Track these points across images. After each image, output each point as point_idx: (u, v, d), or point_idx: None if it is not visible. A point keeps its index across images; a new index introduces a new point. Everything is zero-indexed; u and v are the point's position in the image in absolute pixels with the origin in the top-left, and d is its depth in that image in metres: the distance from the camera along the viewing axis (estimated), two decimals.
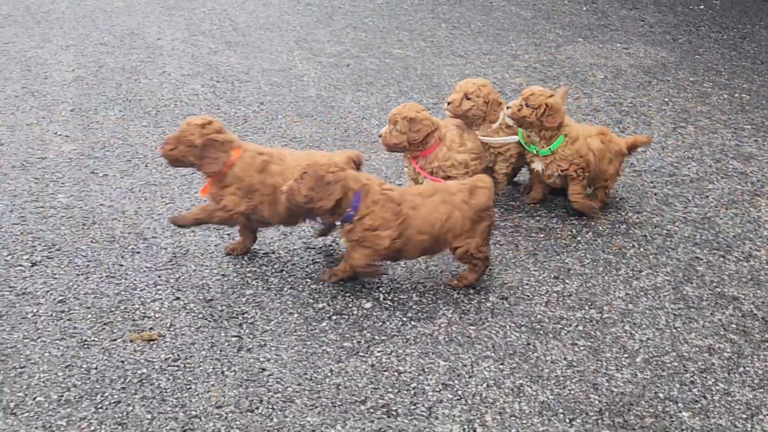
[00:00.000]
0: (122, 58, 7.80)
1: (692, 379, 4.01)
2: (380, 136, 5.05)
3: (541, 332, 4.29)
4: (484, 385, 3.93)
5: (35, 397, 3.76)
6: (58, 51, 7.91)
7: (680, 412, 3.82)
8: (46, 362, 3.97)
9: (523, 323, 4.36)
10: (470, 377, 3.97)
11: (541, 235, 5.17)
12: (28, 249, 4.86)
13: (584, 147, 5.24)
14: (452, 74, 7.68)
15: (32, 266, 4.70)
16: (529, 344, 4.20)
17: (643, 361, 4.11)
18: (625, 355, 4.14)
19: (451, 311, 4.43)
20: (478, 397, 3.85)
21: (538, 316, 4.41)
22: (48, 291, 4.49)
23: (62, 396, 3.77)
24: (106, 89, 7.09)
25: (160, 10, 9.20)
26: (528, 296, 4.58)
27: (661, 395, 3.90)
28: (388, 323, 4.32)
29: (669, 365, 4.09)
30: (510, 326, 4.33)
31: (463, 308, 4.46)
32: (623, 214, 5.43)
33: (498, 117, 5.36)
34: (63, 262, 4.75)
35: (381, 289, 4.59)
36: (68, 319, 4.27)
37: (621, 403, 3.85)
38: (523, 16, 9.47)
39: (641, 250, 5.05)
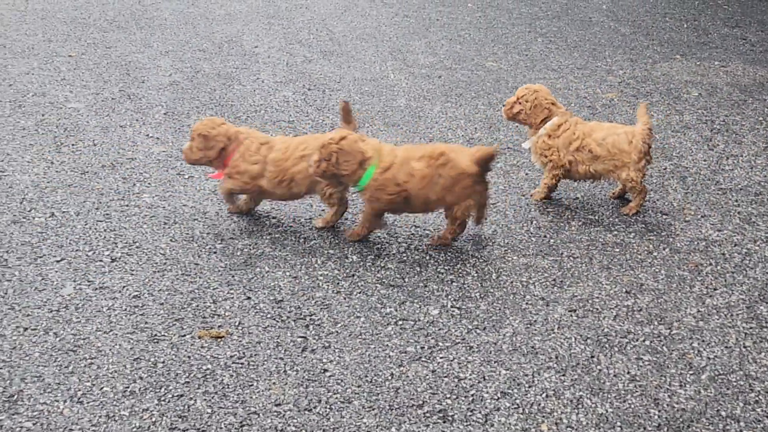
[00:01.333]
0: (219, 65, 7.96)
1: (757, 398, 3.93)
2: (182, 152, 5.27)
3: (607, 345, 4.25)
4: (543, 395, 3.91)
5: (102, 387, 3.86)
6: (158, 56, 8.11)
7: (741, 431, 3.74)
8: (115, 354, 4.08)
9: (589, 336, 4.32)
10: (530, 387, 3.96)
11: (617, 250, 5.12)
12: (110, 245, 4.99)
13: (401, 173, 4.93)
14: None
15: (112, 262, 4.84)
16: (593, 357, 4.17)
17: (708, 379, 4.04)
18: (690, 372, 4.08)
19: (517, 321, 4.42)
20: (536, 407, 3.83)
21: (605, 330, 4.37)
22: (124, 286, 4.61)
23: (128, 387, 3.87)
24: (199, 94, 7.25)
25: (259, 19, 9.37)
26: (597, 309, 4.54)
27: (723, 413, 3.83)
28: (453, 330, 4.34)
29: (734, 384, 4.01)
30: (576, 338, 4.30)
31: (530, 319, 4.45)
32: (703, 231, 5.35)
33: (539, 122, 5.55)
34: (141, 259, 4.87)
35: (450, 296, 4.61)
36: (141, 314, 4.38)
37: (681, 420, 3.79)
38: (621, 32, 9.38)
39: (718, 268, 4.96)
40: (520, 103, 5.57)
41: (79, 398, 3.79)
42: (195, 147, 5.19)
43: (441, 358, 4.14)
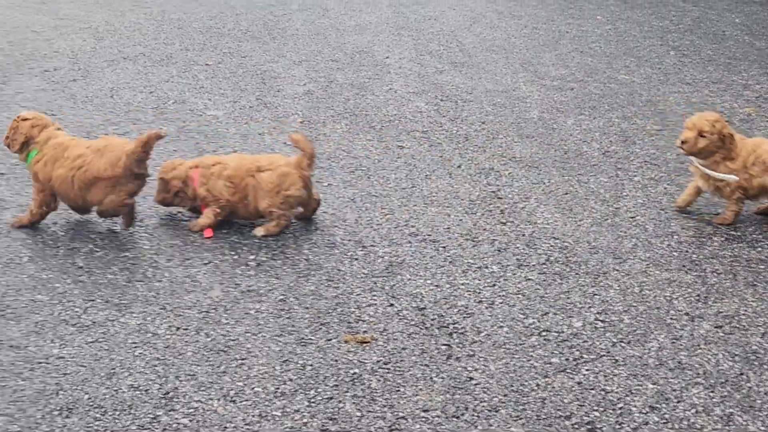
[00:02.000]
0: (351, 75, 8.07)
1: None
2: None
3: (756, 363, 4.19)
4: (693, 411, 3.87)
5: (253, 388, 3.95)
6: (292, 66, 8.25)
7: None
8: (265, 356, 4.17)
9: (737, 353, 4.26)
10: (678, 402, 3.92)
11: (762, 267, 5.04)
12: (254, 250, 5.10)
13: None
14: (678, 102, 7.57)
15: (257, 266, 4.94)
16: (742, 374, 4.11)
17: None
18: None
19: (662, 336, 4.39)
20: (686, 422, 3.80)
21: (754, 347, 4.31)
22: (270, 290, 4.71)
23: (278, 388, 3.95)
24: (334, 103, 7.35)
25: (389, 30, 9.46)
26: (744, 326, 4.47)
27: None
28: (597, 343, 4.32)
29: None
30: (723, 355, 4.25)
31: (676, 334, 4.40)
32: None
33: (734, 151, 5.31)
34: (286, 264, 4.97)
35: (592, 309, 4.59)
36: (288, 318, 4.47)
37: None
38: (757, 46, 9.23)
39: None
40: (704, 136, 5.39)
41: (231, 397, 3.88)
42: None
43: (586, 370, 4.12)
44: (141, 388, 3.90)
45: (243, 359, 4.14)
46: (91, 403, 3.79)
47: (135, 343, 4.23)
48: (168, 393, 3.89)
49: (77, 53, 8.31)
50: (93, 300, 4.57)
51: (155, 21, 9.45)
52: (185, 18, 9.60)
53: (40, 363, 4.06)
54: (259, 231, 5.28)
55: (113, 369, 4.04)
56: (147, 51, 8.46)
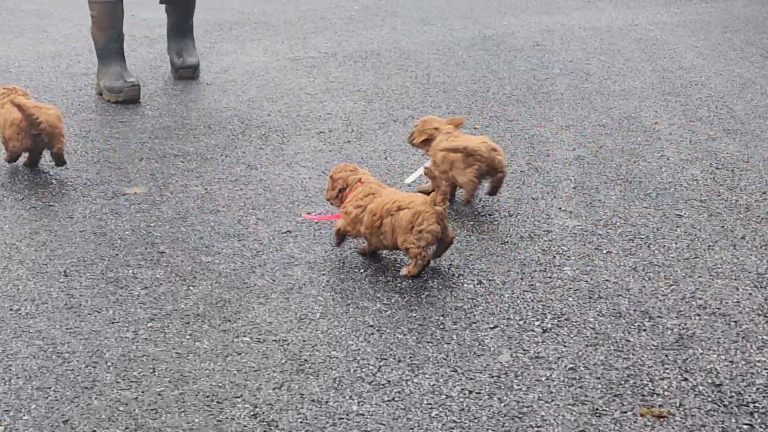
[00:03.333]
0: (620, 140, 7.99)
1: None
2: None
3: None
4: None
5: None
6: (559, 130, 8.25)
7: None
8: (560, 425, 4.14)
9: None
10: None
11: None
12: (539, 316, 5.10)
13: None
14: None
15: (543, 332, 4.93)
16: None
17: None
18: None
19: None
20: None
21: None
22: (559, 357, 4.69)
23: None
24: (605, 169, 7.29)
25: (655, 95, 9.33)
26: None
27: None
28: None
29: None
30: None
31: None
32: None
33: None
34: (572, 332, 4.94)
35: None
36: (579, 387, 4.43)
37: None
38: None
39: None
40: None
41: None
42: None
43: None
44: None
45: (538, 427, 4.13)
46: None
47: (430, 404, 4.29)
48: None
49: (349, 115, 8.58)
50: (386, 359, 4.66)
51: (421, 84, 9.66)
52: (449, 81, 9.77)
53: (341, 419, 4.18)
54: (403, 271, 5.50)
55: (411, 429, 4.11)
56: (415, 113, 8.65)
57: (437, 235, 5.46)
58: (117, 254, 5.76)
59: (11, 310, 5.11)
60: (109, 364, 4.63)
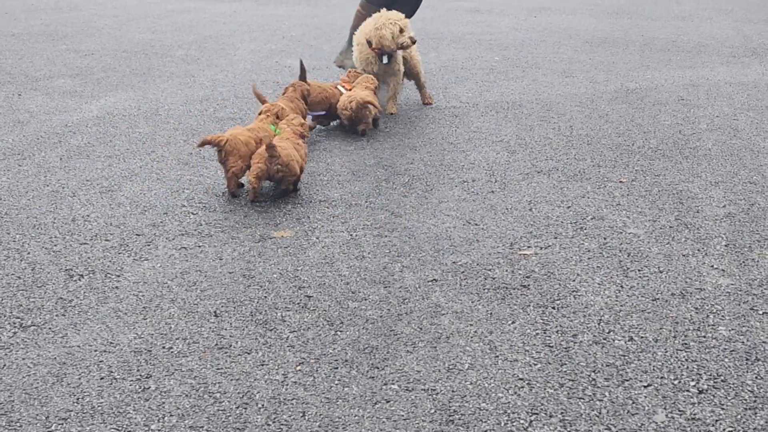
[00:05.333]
0: None
1: None
2: None
3: None
4: None
5: None
6: (708, 186, 8.07)
7: None
8: None
9: None
10: None
11: None
12: (694, 376, 4.95)
13: None
14: None
15: (699, 393, 4.79)
16: None
17: None
18: None
19: None
20: None
21: None
22: (717, 420, 4.54)
23: None
24: (758, 227, 7.09)
25: None
26: None
27: None
28: None
29: None
30: None
31: None
32: None
33: None
34: (730, 394, 4.78)
35: None
36: None
37: None
38: None
39: None
40: None
41: None
42: None
43: None
44: None
45: None
46: None
47: None
48: None
49: (492, 165, 8.56)
50: (537, 413, 4.58)
51: (564, 136, 9.59)
52: (593, 134, 9.68)
53: None
54: None
55: None
56: (560, 165, 8.58)
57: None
58: (266, 296, 5.81)
59: (164, 348, 5.19)
60: (259, 405, 4.66)
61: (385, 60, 10.07)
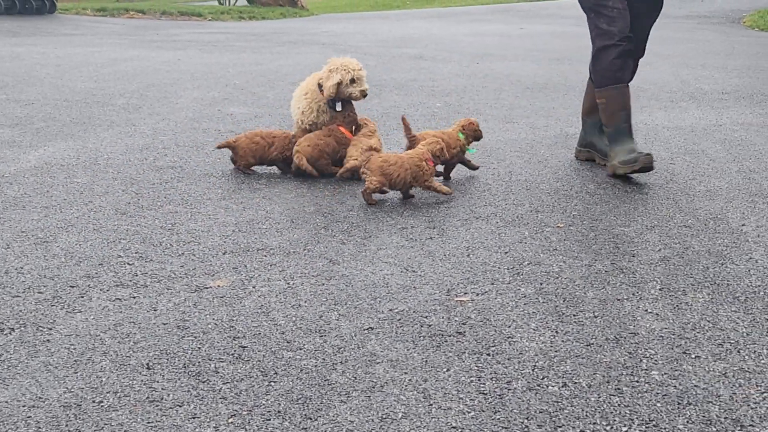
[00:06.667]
0: (707, 242, 7.88)
1: None
2: None
3: None
4: None
5: None
6: (644, 230, 8.19)
7: None
8: None
9: None
10: None
11: None
12: (626, 421, 4.97)
13: None
14: None
15: None
16: None
17: None
18: None
19: None
20: None
21: None
22: None
23: None
24: (692, 271, 7.17)
25: (742, 196, 9.22)
26: None
27: None
28: None
29: None
30: None
31: None
32: None
33: None
34: None
35: None
36: None
37: None
38: None
39: None
40: None
41: None
42: None
43: None
44: None
45: None
46: None
47: None
48: None
49: (431, 211, 8.60)
50: None
51: (503, 182, 9.67)
52: (532, 179, 9.77)
53: None
54: None
55: None
56: (498, 211, 8.64)
57: None
58: (199, 347, 5.76)
59: (94, 402, 5.12)
60: None
61: (338, 107, 9.81)
